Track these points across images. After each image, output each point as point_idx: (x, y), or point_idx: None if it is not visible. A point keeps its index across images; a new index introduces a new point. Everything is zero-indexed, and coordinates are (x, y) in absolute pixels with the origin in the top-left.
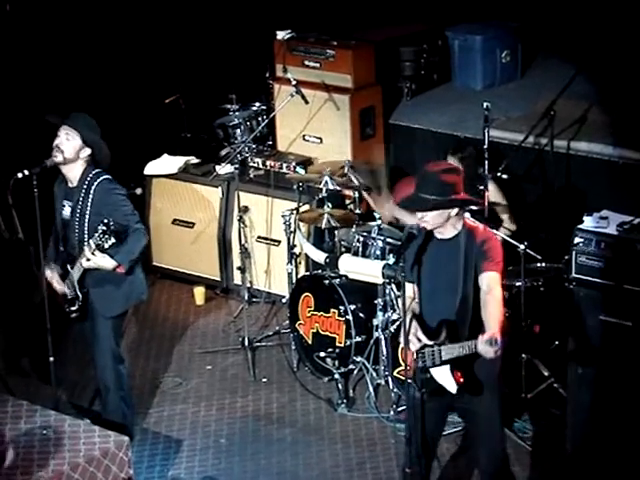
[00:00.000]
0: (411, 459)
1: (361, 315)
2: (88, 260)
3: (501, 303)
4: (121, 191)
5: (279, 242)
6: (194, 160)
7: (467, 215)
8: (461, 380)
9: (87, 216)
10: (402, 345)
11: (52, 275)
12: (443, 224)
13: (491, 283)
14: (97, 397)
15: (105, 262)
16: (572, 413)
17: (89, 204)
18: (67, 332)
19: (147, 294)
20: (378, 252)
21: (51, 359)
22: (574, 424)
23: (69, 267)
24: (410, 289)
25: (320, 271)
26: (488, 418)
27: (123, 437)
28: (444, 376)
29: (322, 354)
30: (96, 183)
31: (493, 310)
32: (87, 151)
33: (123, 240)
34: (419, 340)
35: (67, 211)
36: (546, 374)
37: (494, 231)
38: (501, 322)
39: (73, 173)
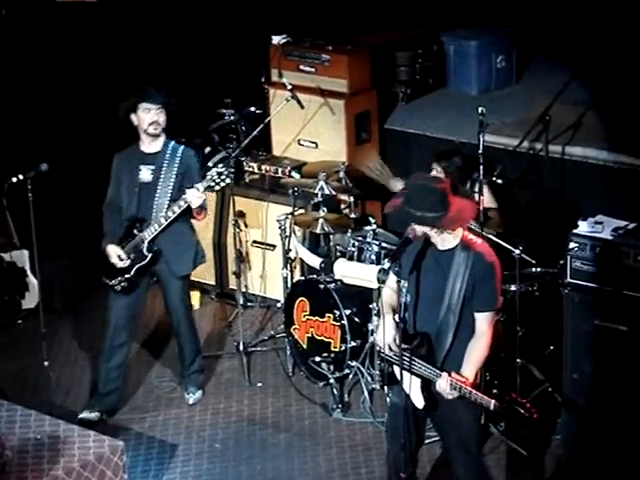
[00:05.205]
0: (405, 463)
1: (356, 320)
2: (192, 197)
3: (487, 350)
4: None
5: (274, 247)
6: None
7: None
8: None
9: (174, 176)
10: (377, 343)
11: (114, 249)
12: (434, 236)
13: (483, 326)
14: (91, 400)
15: (200, 199)
16: (567, 418)
17: (176, 166)
18: (62, 336)
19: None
20: (373, 257)
21: (46, 363)
22: (568, 429)
23: (136, 231)
24: (394, 283)
25: (315, 276)
26: (461, 433)
27: (118, 442)
28: (414, 390)
29: (317, 359)
30: (181, 148)
31: (475, 357)
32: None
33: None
34: (396, 345)
35: (147, 174)
36: (541, 379)
37: (490, 236)
38: (477, 370)
39: (159, 140)
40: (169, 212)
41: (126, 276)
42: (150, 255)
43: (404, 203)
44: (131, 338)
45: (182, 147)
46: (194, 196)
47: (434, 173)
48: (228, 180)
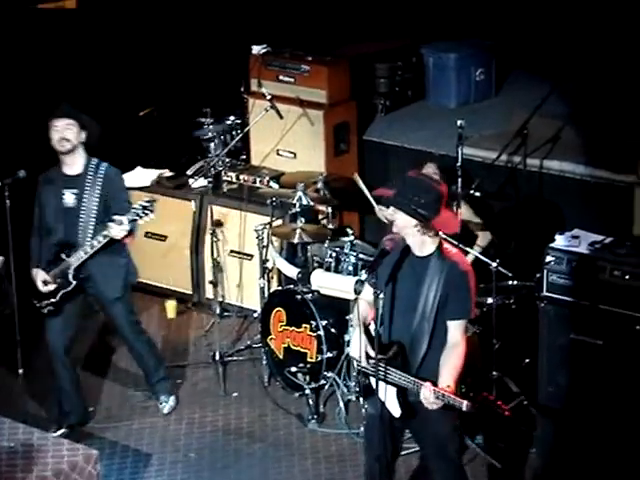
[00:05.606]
0: (381, 474)
1: (333, 330)
2: (116, 232)
3: (462, 359)
4: (123, 179)
5: (252, 256)
6: (167, 173)
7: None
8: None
9: (97, 199)
10: (352, 354)
11: (39, 274)
12: (415, 235)
13: (457, 335)
14: (59, 411)
15: (124, 231)
16: (542, 431)
17: (99, 188)
18: (37, 344)
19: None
20: (350, 268)
21: (20, 371)
22: (544, 442)
23: (63, 256)
24: (369, 295)
25: (292, 286)
26: (439, 442)
27: (92, 451)
28: (390, 398)
29: (293, 369)
30: (103, 168)
31: (451, 366)
32: (84, 134)
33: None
34: (367, 356)
35: (70, 198)
36: (517, 391)
37: (467, 249)
38: (456, 378)
39: (77, 160)
40: (94, 241)
41: (52, 300)
42: (75, 282)
43: (397, 194)
44: (72, 359)
45: (105, 165)
46: (118, 230)
47: (429, 171)
48: (152, 215)
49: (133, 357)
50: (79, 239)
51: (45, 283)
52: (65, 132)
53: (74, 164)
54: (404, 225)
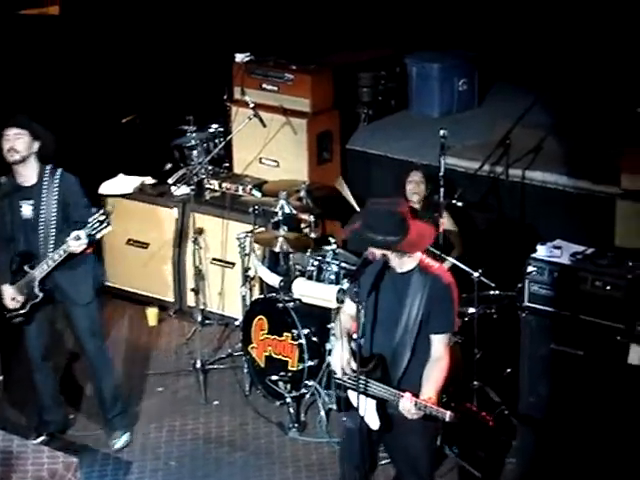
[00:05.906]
0: None
1: (314, 339)
2: (75, 247)
3: (445, 372)
4: (79, 184)
5: (234, 264)
6: (150, 180)
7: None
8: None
9: (55, 208)
10: (333, 366)
11: (7, 291)
12: (394, 258)
13: (440, 348)
14: (39, 419)
15: (83, 245)
16: (523, 440)
17: (55, 196)
18: (17, 351)
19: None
20: (332, 276)
21: (0, 378)
22: (524, 451)
23: (27, 268)
24: (351, 308)
25: (274, 294)
26: (413, 456)
27: (72, 458)
28: (369, 411)
29: (274, 378)
30: (57, 175)
31: (434, 378)
32: (37, 145)
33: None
34: (350, 369)
35: (28, 210)
36: (497, 401)
37: (448, 258)
38: (438, 390)
39: (29, 171)
40: (55, 255)
41: (21, 312)
42: (42, 294)
43: (363, 227)
44: (52, 367)
45: (59, 171)
46: (76, 245)
47: (415, 179)
48: (110, 227)
49: (92, 382)
50: (40, 249)
51: (14, 299)
52: (15, 142)
53: (27, 175)
54: (381, 254)
